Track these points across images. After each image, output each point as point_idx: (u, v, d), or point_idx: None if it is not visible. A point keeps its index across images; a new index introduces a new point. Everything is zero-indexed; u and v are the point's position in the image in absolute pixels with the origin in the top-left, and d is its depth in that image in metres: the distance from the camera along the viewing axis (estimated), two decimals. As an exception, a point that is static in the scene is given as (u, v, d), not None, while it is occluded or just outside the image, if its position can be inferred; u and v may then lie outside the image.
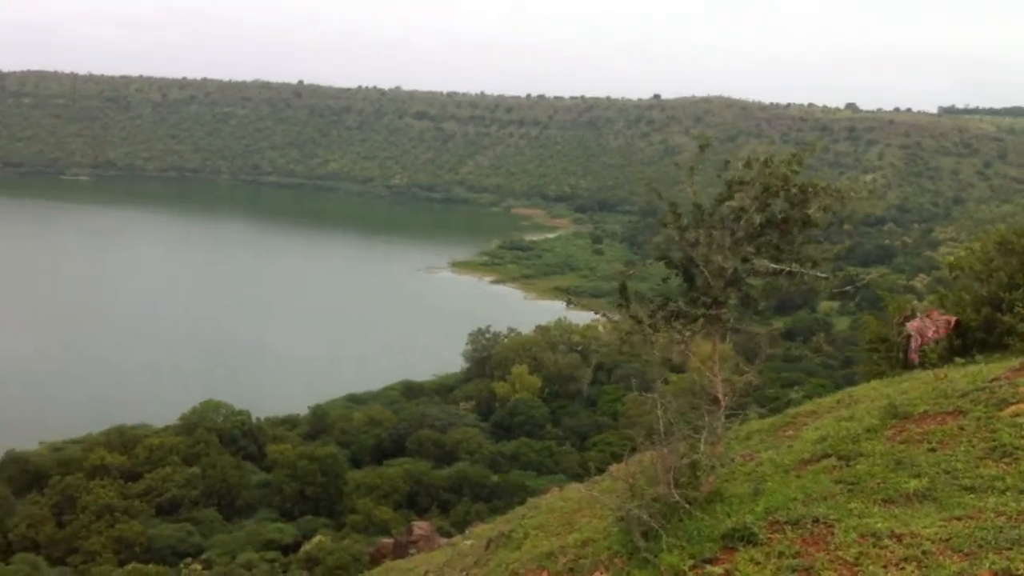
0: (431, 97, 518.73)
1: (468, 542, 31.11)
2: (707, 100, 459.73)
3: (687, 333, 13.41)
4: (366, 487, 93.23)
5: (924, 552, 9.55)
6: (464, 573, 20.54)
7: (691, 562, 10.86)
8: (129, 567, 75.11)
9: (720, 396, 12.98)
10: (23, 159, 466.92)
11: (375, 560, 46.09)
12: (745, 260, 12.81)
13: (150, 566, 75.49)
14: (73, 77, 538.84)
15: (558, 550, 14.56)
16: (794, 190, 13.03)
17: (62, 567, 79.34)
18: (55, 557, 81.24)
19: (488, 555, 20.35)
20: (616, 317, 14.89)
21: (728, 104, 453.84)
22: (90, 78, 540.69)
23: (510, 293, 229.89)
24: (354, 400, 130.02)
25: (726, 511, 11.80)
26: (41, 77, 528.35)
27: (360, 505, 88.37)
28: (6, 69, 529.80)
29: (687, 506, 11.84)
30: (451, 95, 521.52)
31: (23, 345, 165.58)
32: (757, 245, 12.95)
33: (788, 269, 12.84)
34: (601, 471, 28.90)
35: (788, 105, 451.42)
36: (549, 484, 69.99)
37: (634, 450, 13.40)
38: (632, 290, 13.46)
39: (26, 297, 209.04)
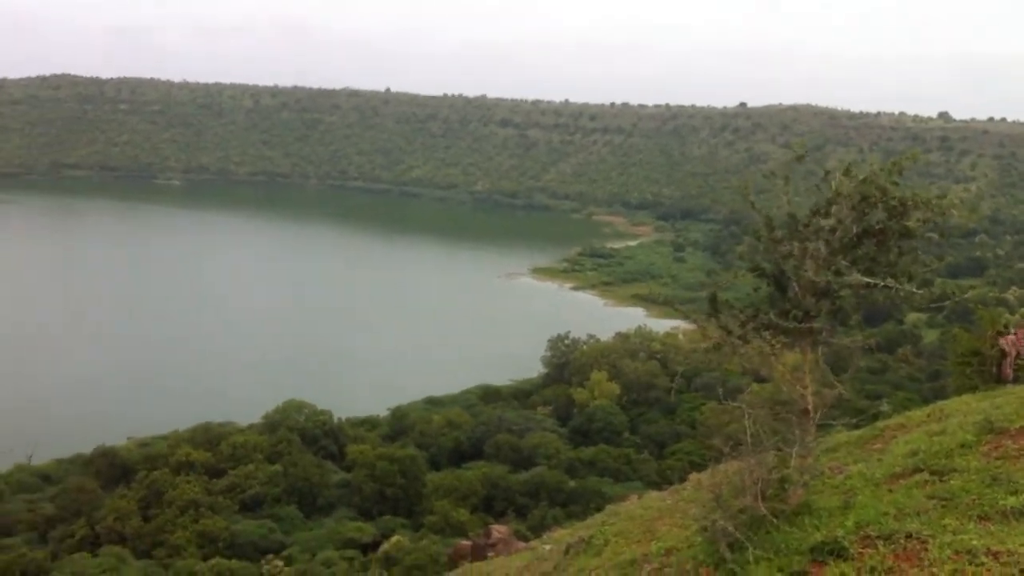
0: (516, 105, 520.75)
1: (547, 547, 31.08)
2: (794, 108, 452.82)
3: (777, 345, 13.27)
4: (444, 489, 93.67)
5: (1022, 571, 9.33)
6: (544, 578, 20.57)
7: (779, 575, 10.76)
8: (213, 561, 76.52)
9: (810, 408, 12.83)
10: (119, 164, 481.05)
11: (453, 562, 46.26)
12: (838, 273, 12.61)
13: (233, 561, 76.84)
14: (168, 84, 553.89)
15: (641, 558, 14.52)
16: (893, 202, 12.79)
17: (147, 560, 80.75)
18: (141, 550, 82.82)
19: (568, 560, 20.35)
20: (697, 324, 14.78)
21: (816, 112, 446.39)
22: (184, 85, 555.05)
23: (590, 300, 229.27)
24: (433, 403, 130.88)
25: (815, 524, 11.66)
26: (137, 84, 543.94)
27: (438, 507, 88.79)
28: (104, 76, 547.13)
29: (774, 519, 11.73)
30: (536, 103, 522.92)
31: (114, 343, 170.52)
32: (852, 258, 12.73)
33: (883, 283, 12.62)
34: (680, 480, 28.65)
35: (878, 114, 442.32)
36: (627, 491, 69.62)
37: (716, 460, 13.31)
38: (721, 300, 13.37)
39: (118, 297, 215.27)
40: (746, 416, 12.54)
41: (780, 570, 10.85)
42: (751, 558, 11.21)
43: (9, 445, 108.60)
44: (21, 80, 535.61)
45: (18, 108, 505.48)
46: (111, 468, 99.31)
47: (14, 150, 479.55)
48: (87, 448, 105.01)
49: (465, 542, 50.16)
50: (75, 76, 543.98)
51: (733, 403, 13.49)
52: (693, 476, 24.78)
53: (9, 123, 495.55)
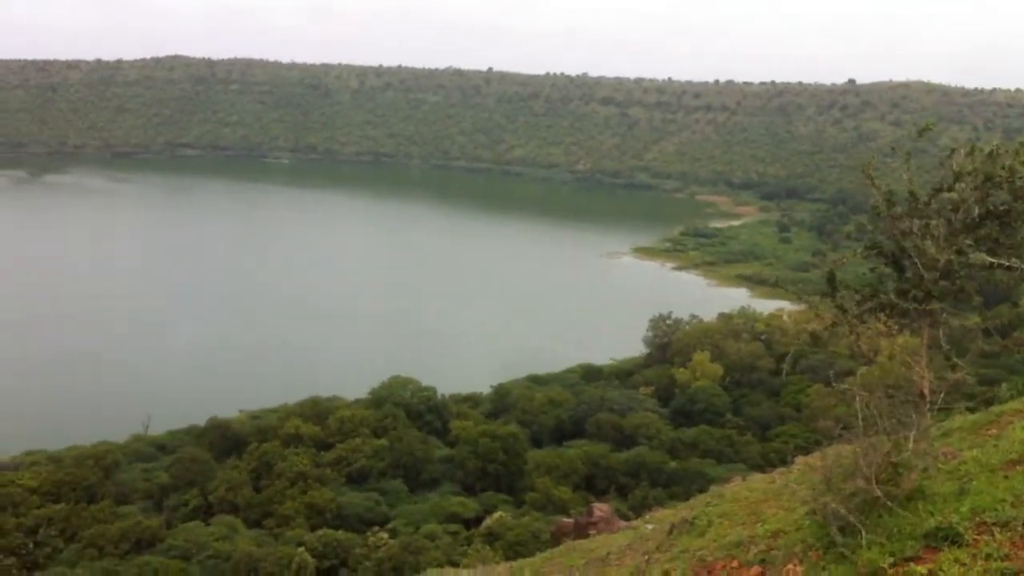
0: (617, 83, 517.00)
1: (650, 526, 31.15)
2: (905, 85, 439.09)
3: (894, 326, 13.06)
4: (545, 467, 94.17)
5: None
6: (647, 557, 20.63)
7: (891, 559, 10.65)
8: (320, 532, 78.51)
9: (926, 392, 12.61)
10: (230, 143, 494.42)
11: (555, 538, 46.65)
12: (960, 252, 12.34)
13: (339, 532, 78.72)
14: (277, 65, 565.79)
15: (747, 540, 14.49)
16: (1020, 182, 12.43)
17: (258, 529, 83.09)
18: (252, 520, 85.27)
19: (671, 540, 20.39)
20: (810, 304, 14.61)
21: (928, 89, 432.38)
22: (293, 66, 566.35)
23: (692, 280, 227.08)
24: (535, 381, 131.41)
25: (929, 510, 11.49)
26: (248, 65, 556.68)
27: (539, 484, 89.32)
28: (216, 57, 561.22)
29: (888, 503, 11.59)
30: (638, 81, 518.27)
31: (225, 317, 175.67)
32: (974, 238, 12.45)
33: (1007, 264, 12.29)
34: (784, 463, 28.39)
35: (993, 90, 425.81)
36: (729, 473, 69.05)
37: (823, 443, 13.20)
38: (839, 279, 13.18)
39: (228, 273, 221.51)
40: (857, 399, 12.40)
41: (892, 555, 10.74)
42: (863, 542, 11.12)
43: (127, 415, 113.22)
44: (137, 62, 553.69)
45: (134, 89, 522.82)
46: (223, 439, 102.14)
47: (131, 130, 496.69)
48: (200, 419, 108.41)
49: (567, 520, 50.54)
50: (188, 58, 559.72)
51: (843, 385, 13.33)
52: (800, 459, 24.52)
53: (126, 104, 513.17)
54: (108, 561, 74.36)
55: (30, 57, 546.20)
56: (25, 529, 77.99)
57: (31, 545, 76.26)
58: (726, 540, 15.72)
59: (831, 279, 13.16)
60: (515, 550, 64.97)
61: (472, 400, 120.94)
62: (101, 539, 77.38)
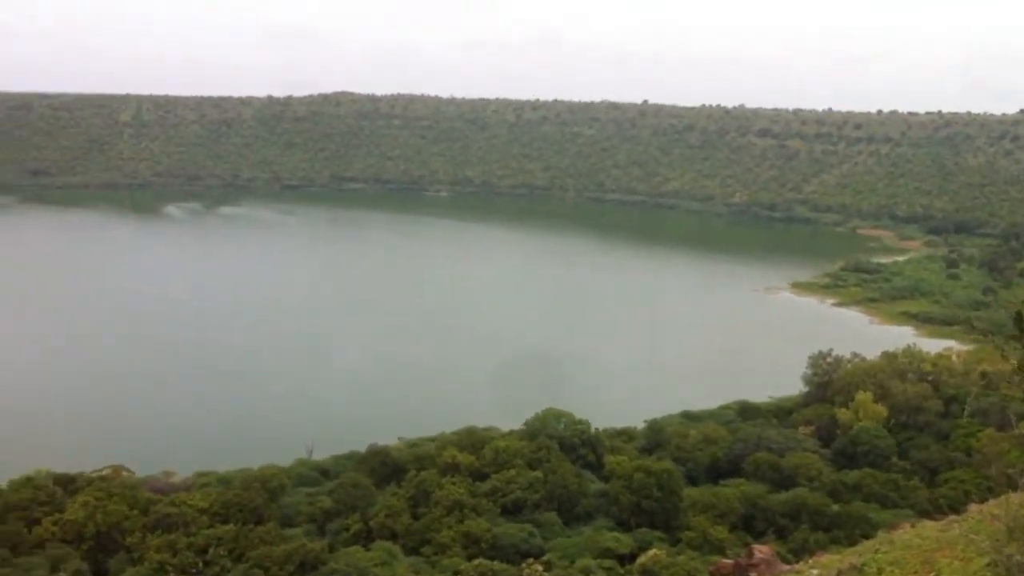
0: (775, 114, 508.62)
1: (815, 571, 30.70)
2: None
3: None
4: (701, 505, 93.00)
5: None
6: (815, 603, 20.59)
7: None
8: (476, 562, 79.65)
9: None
10: (392, 176, 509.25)
11: (715, 579, 46.24)
12: None
13: (495, 563, 79.73)
14: (437, 100, 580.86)
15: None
16: None
17: (416, 556, 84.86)
18: (409, 547, 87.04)
19: (840, 586, 20.29)
20: (996, 345, 14.62)
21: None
22: (452, 101, 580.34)
23: (854, 317, 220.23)
24: (689, 417, 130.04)
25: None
26: (409, 100, 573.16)
27: (696, 523, 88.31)
28: (379, 93, 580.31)
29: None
30: (796, 112, 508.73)
31: (384, 346, 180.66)
32: None
33: None
34: (955, 510, 27.77)
35: None
36: (896, 519, 66.89)
37: (991, 489, 13.16)
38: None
39: (387, 302, 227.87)
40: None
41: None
42: (1050, 596, 11.12)
43: (292, 439, 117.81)
44: (305, 98, 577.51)
45: (302, 124, 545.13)
46: (383, 466, 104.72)
47: (298, 164, 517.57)
48: (361, 445, 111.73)
49: (726, 560, 49.98)
50: (353, 94, 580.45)
51: (1020, 430, 13.30)
52: (974, 506, 23.99)
53: (294, 139, 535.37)
54: (274, 582, 77.45)
55: (206, 94, 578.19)
56: (196, 548, 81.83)
57: (201, 564, 79.95)
58: (898, 589, 15.70)
59: (1019, 320, 13.13)
60: (671, 588, 64.59)
61: (626, 435, 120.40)
62: (267, 560, 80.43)
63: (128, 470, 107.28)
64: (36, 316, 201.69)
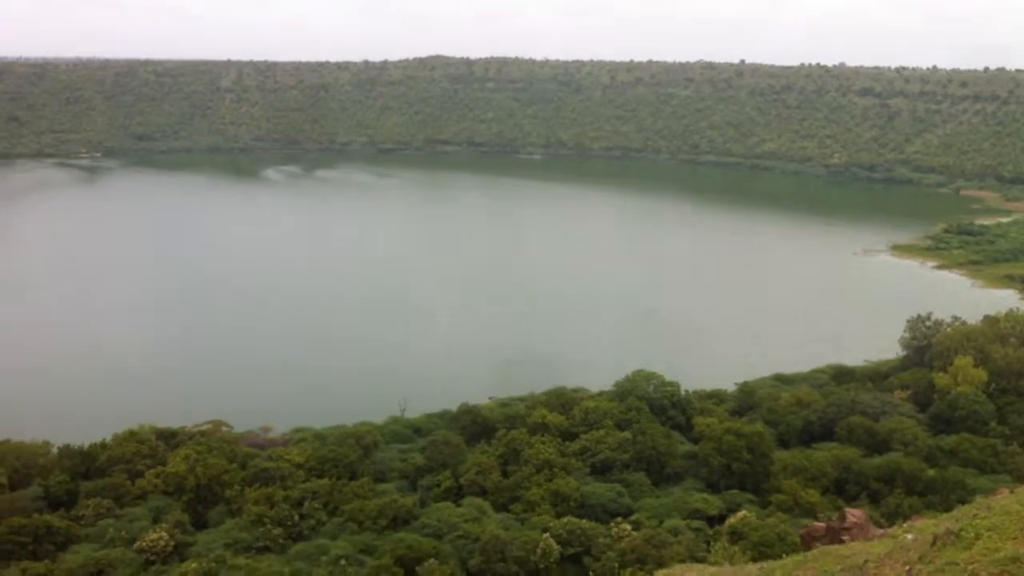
0: (877, 73, 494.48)
1: (909, 536, 30.01)
2: None
3: None
4: (792, 468, 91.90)
5: None
6: (908, 568, 20.12)
7: None
8: (565, 520, 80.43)
9: None
10: (485, 139, 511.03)
11: (806, 542, 45.59)
12: None
13: (583, 521, 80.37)
14: (531, 63, 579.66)
15: (1023, 556, 14.02)
16: None
17: (505, 513, 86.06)
18: (499, 503, 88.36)
19: (934, 552, 19.80)
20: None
21: None
22: (546, 63, 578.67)
23: (955, 280, 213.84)
24: (781, 380, 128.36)
25: None
26: (503, 63, 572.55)
27: (787, 485, 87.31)
28: (473, 56, 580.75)
29: None
30: (899, 70, 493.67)
31: (477, 310, 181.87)
32: None
33: None
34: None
35: None
36: (993, 484, 65.10)
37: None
38: None
39: (480, 267, 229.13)
40: None
41: None
42: None
43: (386, 397, 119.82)
44: (400, 62, 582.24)
45: (398, 89, 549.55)
46: (474, 425, 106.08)
47: (394, 128, 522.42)
48: (452, 405, 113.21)
49: (819, 524, 49.21)
50: (448, 57, 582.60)
51: None
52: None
53: (390, 103, 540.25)
54: (366, 535, 79.16)
55: (304, 59, 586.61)
56: (292, 501, 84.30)
57: (297, 517, 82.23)
58: (998, 555, 15.24)
59: None
60: (760, 551, 64.04)
61: (716, 397, 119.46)
62: (360, 514, 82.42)
63: (227, 425, 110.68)
64: (144, 275, 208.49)
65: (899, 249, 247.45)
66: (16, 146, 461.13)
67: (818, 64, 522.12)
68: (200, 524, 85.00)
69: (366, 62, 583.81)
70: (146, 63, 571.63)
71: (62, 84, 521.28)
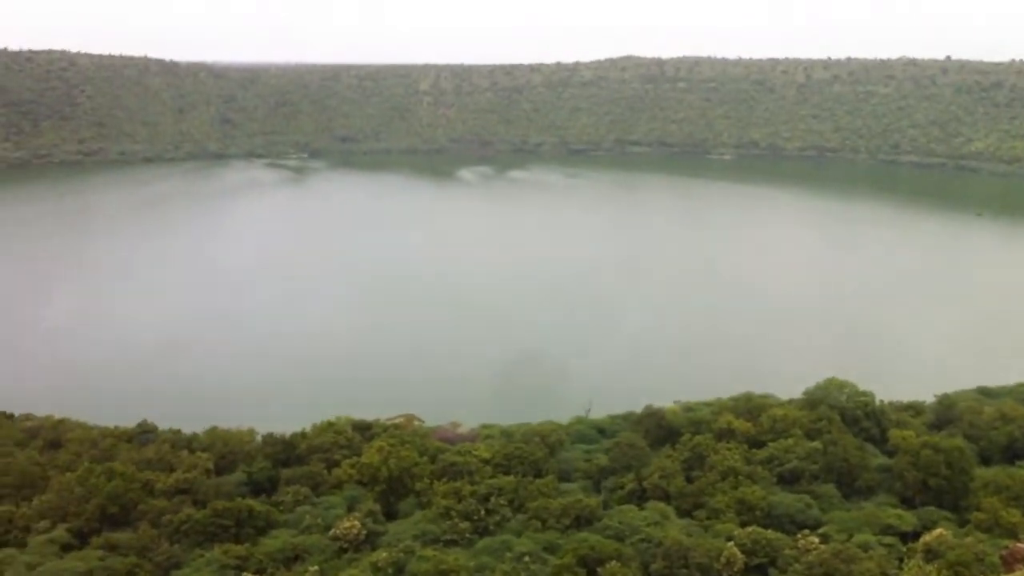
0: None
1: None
2: None
3: None
4: (994, 486, 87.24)
5: None
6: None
7: None
8: (749, 529, 79.12)
9: None
10: (676, 140, 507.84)
11: (1007, 564, 44.07)
12: None
13: (769, 531, 78.84)
14: (723, 62, 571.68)
15: None
16: None
17: (688, 519, 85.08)
18: (682, 509, 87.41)
19: None
20: None
21: None
22: (739, 62, 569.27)
23: None
24: (985, 393, 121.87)
25: None
26: (695, 63, 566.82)
27: (987, 504, 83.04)
28: (664, 56, 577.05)
29: None
30: None
31: (663, 312, 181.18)
32: None
33: None
34: None
35: None
36: None
37: None
38: None
39: (667, 269, 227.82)
40: None
41: None
42: None
43: (570, 399, 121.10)
44: (591, 63, 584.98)
45: (588, 89, 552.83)
46: (658, 428, 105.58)
47: (583, 128, 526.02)
48: (637, 407, 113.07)
49: (1021, 545, 47.17)
50: (639, 57, 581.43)
51: None
52: None
53: (580, 103, 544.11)
54: (550, 534, 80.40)
55: (499, 62, 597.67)
56: (478, 496, 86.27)
57: (483, 512, 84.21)
58: None
59: None
60: (956, 571, 61.64)
61: (913, 409, 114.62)
62: (544, 512, 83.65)
63: (419, 419, 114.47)
64: (346, 271, 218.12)
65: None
66: (229, 147, 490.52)
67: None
68: (391, 514, 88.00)
69: (558, 63, 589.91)
70: (349, 68, 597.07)
71: (271, 88, 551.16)
